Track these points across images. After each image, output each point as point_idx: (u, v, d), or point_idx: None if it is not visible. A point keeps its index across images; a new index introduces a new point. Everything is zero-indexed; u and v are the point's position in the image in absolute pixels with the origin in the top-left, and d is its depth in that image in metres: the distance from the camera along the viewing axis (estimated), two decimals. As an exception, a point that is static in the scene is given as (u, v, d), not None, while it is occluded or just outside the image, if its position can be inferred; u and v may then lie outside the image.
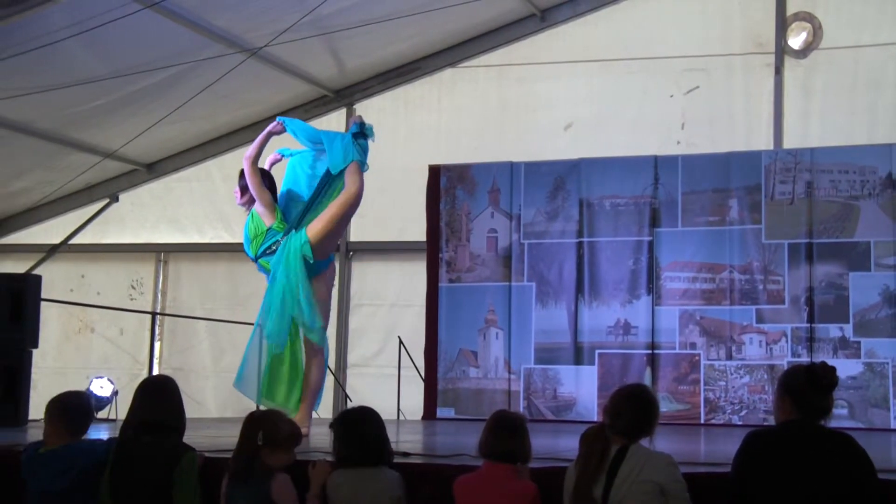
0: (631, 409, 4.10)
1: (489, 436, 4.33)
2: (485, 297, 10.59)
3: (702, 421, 9.68)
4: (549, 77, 11.54)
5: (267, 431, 4.39)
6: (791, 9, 10.91)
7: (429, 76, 12.05)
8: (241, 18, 10.19)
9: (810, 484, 3.85)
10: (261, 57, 10.75)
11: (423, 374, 10.84)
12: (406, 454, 5.26)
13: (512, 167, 10.77)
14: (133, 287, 12.76)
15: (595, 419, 9.85)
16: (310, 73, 11.76)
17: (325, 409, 11.13)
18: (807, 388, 4.02)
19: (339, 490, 4.35)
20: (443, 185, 11.02)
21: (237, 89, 11.29)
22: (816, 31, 10.81)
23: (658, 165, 10.33)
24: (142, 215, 12.85)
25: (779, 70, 10.84)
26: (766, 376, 9.58)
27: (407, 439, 7.01)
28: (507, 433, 4.33)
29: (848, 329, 9.52)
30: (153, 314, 12.32)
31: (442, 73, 12.02)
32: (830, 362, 8.75)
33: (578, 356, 10.21)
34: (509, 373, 10.37)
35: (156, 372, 12.30)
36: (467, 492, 4.29)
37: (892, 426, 9.24)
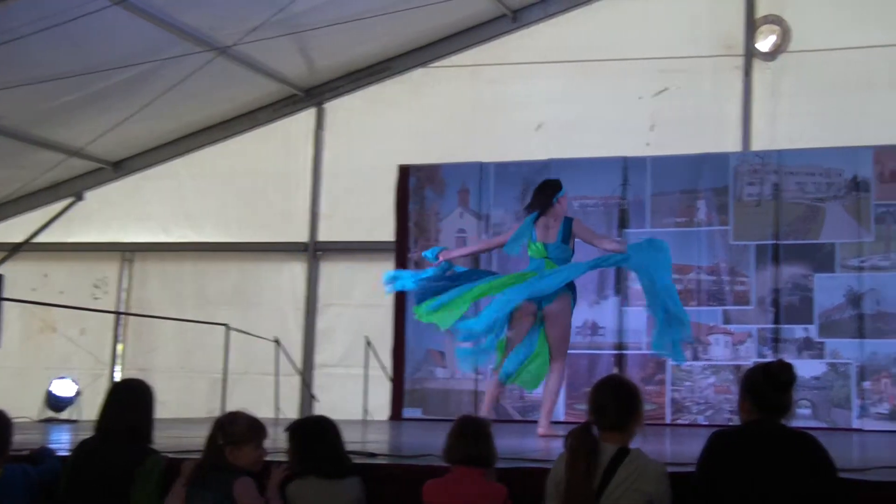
0: (615, 402, 4.06)
1: (454, 441, 4.32)
2: (453, 298, 10.55)
3: (668, 421, 9.71)
4: (520, 78, 11.52)
5: (225, 430, 4.36)
6: (760, 11, 10.95)
7: (399, 76, 12.01)
8: (210, 16, 10.11)
9: (773, 483, 3.87)
10: (230, 55, 10.69)
11: (390, 374, 10.81)
12: (372, 455, 5.23)
13: (482, 168, 10.77)
14: (97, 286, 12.63)
15: (562, 419, 9.87)
16: (279, 71, 11.70)
17: (290, 409, 11.15)
18: (764, 386, 4.04)
19: (297, 502, 4.32)
20: (412, 185, 11.01)
21: (205, 87, 11.21)
22: (785, 34, 10.87)
23: (627, 167, 10.36)
24: (108, 214, 12.71)
25: (747, 72, 10.88)
26: (731, 377, 9.62)
27: (373, 439, 6.98)
28: (471, 438, 4.31)
29: (812, 330, 9.59)
30: (117, 314, 12.23)
31: (413, 73, 11.98)
32: (795, 363, 8.79)
33: (546, 356, 10.19)
34: (476, 374, 10.35)
35: (118, 372, 12.22)
36: (437, 496, 4.26)
37: (854, 426, 9.31)
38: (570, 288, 7.27)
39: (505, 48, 11.69)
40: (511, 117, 11.46)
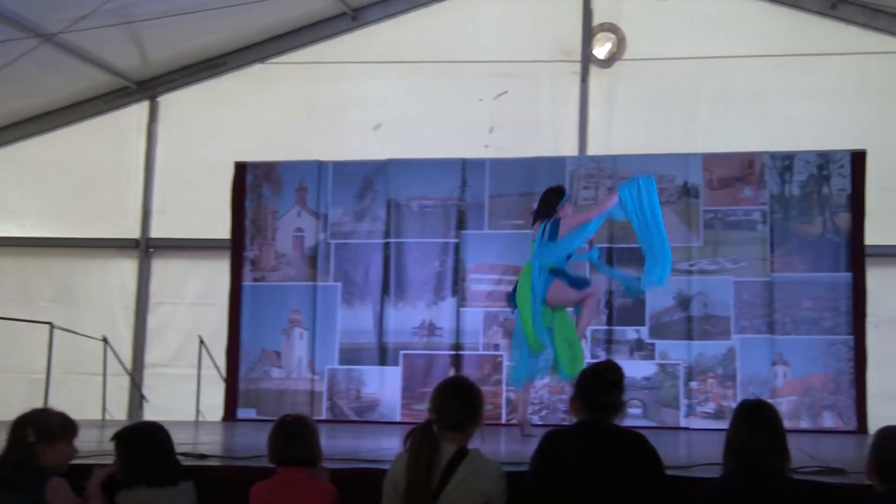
0: (456, 402, 4.09)
1: (275, 443, 4.24)
2: (289, 297, 10.42)
3: (503, 421, 9.78)
4: (360, 76, 11.48)
5: (37, 426, 4.14)
6: (597, 19, 11.20)
7: (237, 71, 11.80)
8: (36, 2, 9.69)
9: (603, 481, 3.93)
10: (56, 43, 10.27)
11: (223, 374, 10.59)
12: (203, 456, 5.09)
13: (320, 166, 10.65)
14: None
15: (398, 419, 9.86)
16: (110, 62, 11.32)
17: (118, 410, 10.81)
18: (592, 386, 4.11)
19: None
20: (249, 182, 10.79)
21: (30, 76, 10.77)
22: (620, 43, 11.14)
23: (466, 168, 10.40)
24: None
25: (584, 78, 11.10)
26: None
27: (205, 441, 6.80)
28: (294, 439, 4.23)
29: (644, 331, 9.81)
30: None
31: (251, 69, 11.79)
32: (627, 363, 8.96)
33: (383, 357, 10.17)
34: (313, 373, 10.24)
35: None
36: (265, 499, 4.17)
37: (682, 425, 9.56)
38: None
39: (344, 46, 11.64)
40: (350, 116, 11.40)
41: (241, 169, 10.84)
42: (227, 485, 4.50)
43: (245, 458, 5.12)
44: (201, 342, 10.78)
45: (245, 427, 9.25)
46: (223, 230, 10.87)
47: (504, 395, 9.89)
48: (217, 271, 11.02)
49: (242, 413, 10.34)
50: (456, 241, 10.24)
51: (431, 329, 10.16)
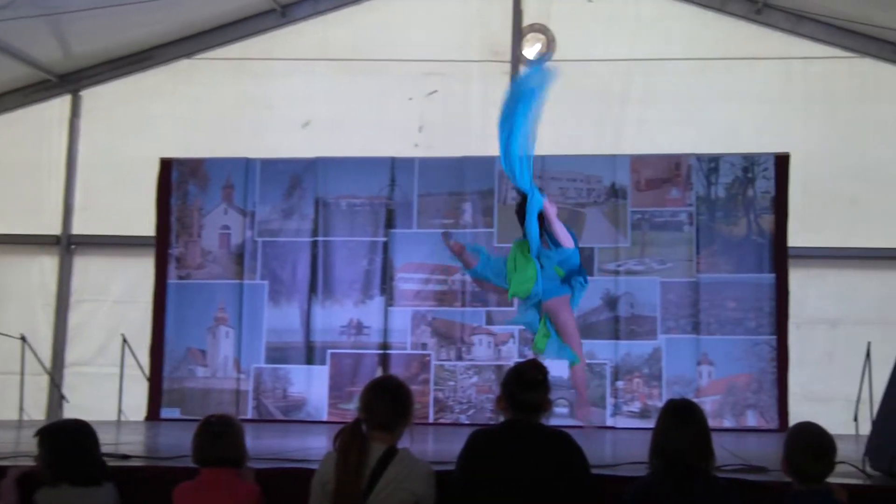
0: (385, 402, 4.06)
1: (199, 443, 4.18)
2: (215, 295, 10.32)
3: (430, 420, 9.77)
4: (289, 74, 11.37)
5: None
6: (527, 20, 11.23)
7: (163, 66, 11.60)
8: (-48, -9, 9.45)
9: (529, 480, 3.94)
10: (-27, 34, 10.03)
11: (147, 373, 10.42)
12: (125, 457, 5.01)
13: (247, 163, 10.55)
14: None
15: (325, 419, 9.81)
16: (30, 54, 11.03)
17: (37, 411, 10.58)
18: (516, 385, 4.13)
19: None
20: (174, 179, 10.66)
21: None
22: (550, 43, 11.17)
23: (395, 167, 10.38)
24: None
25: (514, 78, 11.10)
26: (493, 376, 9.79)
27: (127, 441, 6.68)
28: (216, 438, 4.18)
29: (572, 331, 9.85)
30: None
31: (177, 64, 11.60)
32: (554, 363, 8.97)
33: (310, 356, 10.11)
34: (238, 372, 10.15)
35: None
36: (188, 500, 4.11)
37: (608, 424, 9.64)
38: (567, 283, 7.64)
39: (273, 43, 11.51)
40: (278, 113, 11.29)
41: (166, 165, 10.70)
42: (149, 486, 4.44)
43: (168, 458, 5.04)
44: (124, 341, 10.58)
45: (169, 427, 9.12)
46: (148, 227, 10.73)
47: (432, 394, 9.88)
48: (141, 269, 10.85)
49: (166, 413, 10.20)
50: (384, 239, 10.22)
51: (359, 328, 10.12)
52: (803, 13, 10.79)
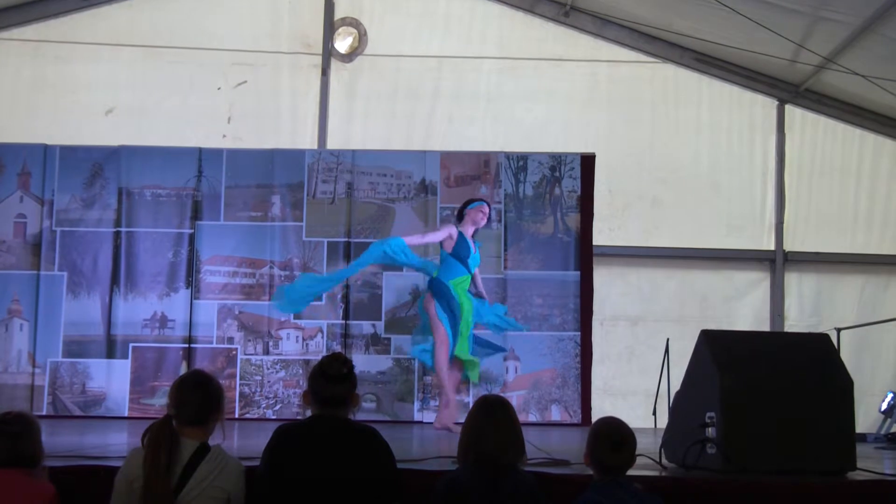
0: (196, 397, 4.00)
1: None
2: (9, 286, 9.84)
3: (236, 415, 9.62)
4: (91, 59, 10.99)
5: None
6: (338, 13, 11.20)
7: (-44, 45, 11.03)
8: None
9: (335, 475, 3.94)
10: None
11: (-69, 369, 9.89)
12: None
13: (46, 150, 10.10)
14: None
15: (126, 414, 9.53)
16: None
17: None
18: (319, 379, 4.14)
19: None
20: (-34, 164, 10.12)
21: None
22: (362, 38, 11.18)
23: (202, 158, 10.15)
24: None
25: (325, 72, 11.07)
26: (301, 371, 9.71)
27: None
28: (14, 438, 4.01)
29: (380, 326, 9.87)
30: None
31: (-28, 43, 11.05)
32: (362, 358, 8.99)
33: (111, 349, 9.78)
34: (33, 367, 9.72)
35: None
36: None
37: (416, 419, 9.69)
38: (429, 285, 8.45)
39: (74, 26, 11.09)
40: (79, 99, 10.93)
41: (-43, 150, 10.15)
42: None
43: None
44: None
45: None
46: (-64, 215, 10.16)
47: (238, 389, 9.72)
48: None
49: (-47, 410, 9.67)
50: (191, 231, 9.98)
51: (163, 321, 9.86)
52: (608, 17, 11.12)
